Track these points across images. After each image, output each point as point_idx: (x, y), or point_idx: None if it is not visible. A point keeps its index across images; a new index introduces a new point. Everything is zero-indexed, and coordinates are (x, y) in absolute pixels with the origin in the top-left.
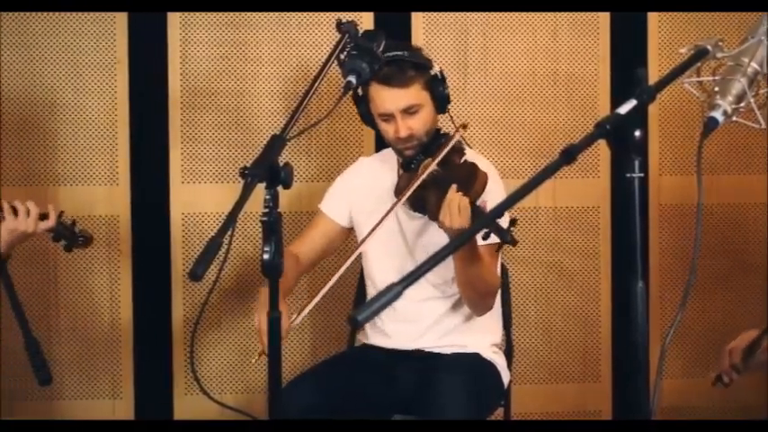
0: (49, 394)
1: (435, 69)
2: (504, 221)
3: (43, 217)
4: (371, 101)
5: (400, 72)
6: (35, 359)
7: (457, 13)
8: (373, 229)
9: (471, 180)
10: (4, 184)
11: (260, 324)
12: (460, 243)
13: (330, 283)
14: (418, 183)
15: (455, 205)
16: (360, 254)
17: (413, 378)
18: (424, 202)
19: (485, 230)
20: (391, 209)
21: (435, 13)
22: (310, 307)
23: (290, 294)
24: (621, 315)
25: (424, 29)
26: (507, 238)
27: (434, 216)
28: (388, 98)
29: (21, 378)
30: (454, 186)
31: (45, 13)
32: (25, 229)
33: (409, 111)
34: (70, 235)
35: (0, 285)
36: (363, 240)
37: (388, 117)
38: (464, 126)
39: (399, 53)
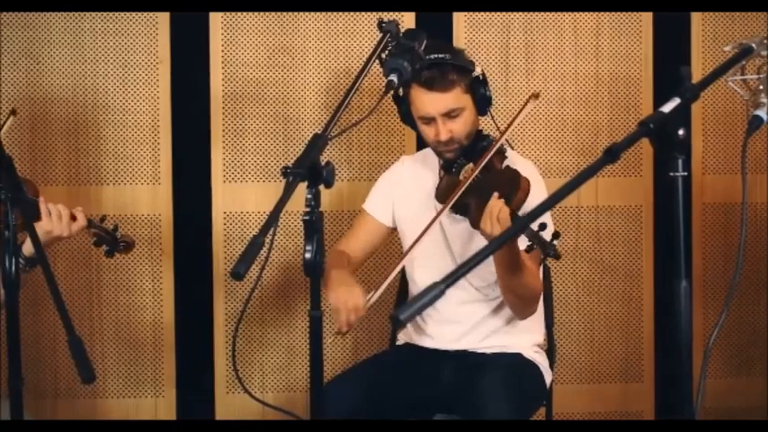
0: (92, 392)
1: (477, 71)
2: (547, 234)
3: (72, 218)
4: (412, 103)
5: (442, 76)
6: (78, 357)
7: (499, 13)
8: (419, 237)
9: (513, 187)
10: (51, 184)
11: (336, 302)
12: (498, 246)
13: (395, 272)
14: (461, 191)
15: (495, 214)
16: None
17: (455, 378)
18: (466, 207)
19: (528, 244)
20: (435, 218)
21: (477, 13)
22: (380, 291)
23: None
24: (664, 315)
25: (466, 28)
26: (550, 252)
27: (475, 223)
28: (429, 102)
29: (65, 376)
30: (495, 194)
31: (92, 14)
32: (60, 233)
33: (450, 114)
34: (112, 240)
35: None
36: (410, 248)
37: (429, 120)
38: (536, 96)
39: (441, 56)
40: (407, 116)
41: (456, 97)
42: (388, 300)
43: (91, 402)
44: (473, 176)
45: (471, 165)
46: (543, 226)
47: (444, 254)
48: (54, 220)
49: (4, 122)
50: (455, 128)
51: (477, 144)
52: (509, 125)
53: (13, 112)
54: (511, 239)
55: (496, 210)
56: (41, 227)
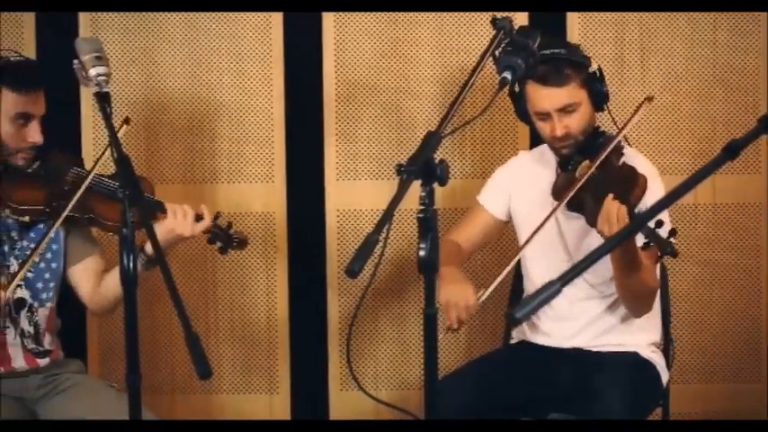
0: (207, 388)
1: (593, 67)
2: (664, 232)
3: (198, 219)
4: (528, 99)
5: (557, 71)
6: (195, 353)
7: (612, 12)
8: (533, 235)
9: (630, 185)
10: (167, 183)
11: (447, 299)
12: (614, 245)
13: (506, 270)
14: (577, 188)
15: (613, 214)
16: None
17: (570, 377)
18: (582, 204)
19: (644, 241)
20: (550, 215)
21: (591, 13)
22: (492, 288)
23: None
24: None
25: (580, 28)
26: (667, 249)
27: (592, 222)
28: (544, 97)
29: (181, 372)
30: (611, 195)
31: (207, 14)
32: (182, 233)
33: (566, 110)
34: (225, 237)
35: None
36: (524, 245)
37: (545, 116)
38: (650, 99)
39: (557, 51)
40: (523, 113)
41: (571, 92)
42: (501, 297)
43: (206, 398)
44: (589, 174)
45: (588, 162)
46: (660, 223)
47: (559, 249)
48: (179, 219)
49: (118, 130)
50: (571, 123)
51: (593, 141)
52: (623, 126)
53: (127, 121)
54: (627, 239)
55: (614, 210)
56: (166, 225)
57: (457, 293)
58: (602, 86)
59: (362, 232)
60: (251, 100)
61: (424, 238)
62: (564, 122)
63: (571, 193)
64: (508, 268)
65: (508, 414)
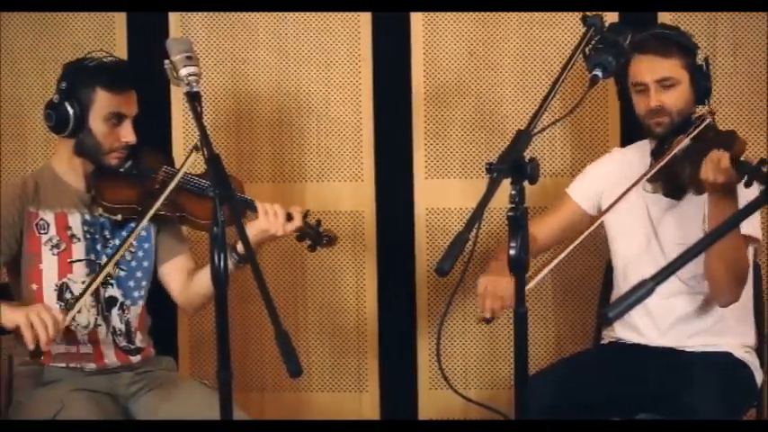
0: (297, 386)
1: (700, 58)
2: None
3: (289, 218)
4: (629, 73)
5: (662, 43)
6: (286, 351)
7: (702, 13)
8: (617, 200)
9: (731, 140)
10: (256, 181)
11: (482, 288)
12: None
13: (564, 254)
14: (670, 156)
15: (716, 160)
16: (609, 246)
17: (661, 376)
18: (677, 177)
19: (746, 177)
20: (636, 182)
21: (682, 13)
22: (544, 273)
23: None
24: None
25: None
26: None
27: (694, 183)
28: (645, 67)
29: (271, 370)
30: (714, 150)
31: (295, 14)
32: (274, 232)
33: (664, 83)
34: (315, 235)
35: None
36: (605, 212)
37: (643, 88)
38: (712, 113)
39: (667, 31)
40: (624, 92)
41: (672, 66)
42: (591, 295)
43: (296, 396)
44: (683, 144)
45: (682, 136)
46: (764, 161)
47: (654, 247)
48: (270, 219)
49: (187, 157)
50: (667, 99)
51: (687, 125)
52: (691, 132)
53: (196, 148)
54: (731, 228)
55: (717, 156)
56: (257, 225)
57: (494, 284)
58: (705, 81)
59: (451, 231)
60: (340, 99)
61: (514, 236)
62: (660, 96)
63: (663, 162)
64: (576, 242)
65: (597, 414)
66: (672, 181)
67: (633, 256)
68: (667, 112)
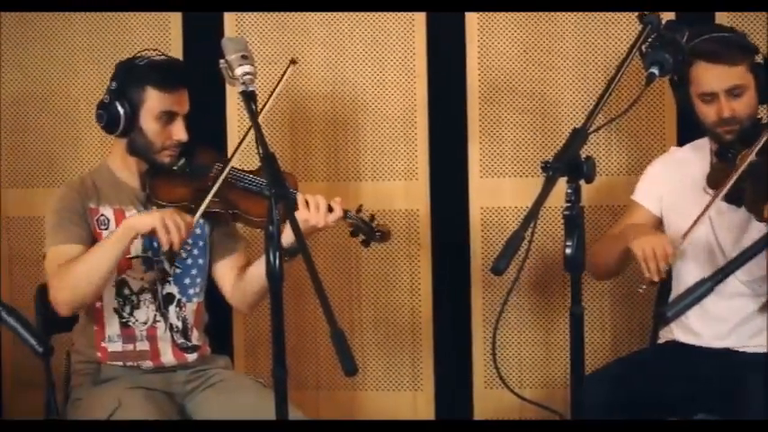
0: (352, 384)
1: (759, 57)
2: None
3: (329, 209)
4: (692, 81)
5: (727, 50)
6: (341, 349)
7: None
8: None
9: None
10: (311, 180)
11: (644, 251)
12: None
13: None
14: (737, 176)
15: None
16: None
17: (719, 377)
18: (741, 194)
19: None
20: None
21: (739, 13)
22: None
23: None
24: None
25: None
26: None
27: (753, 209)
28: (713, 76)
29: (326, 368)
30: None
31: (349, 14)
32: (315, 223)
33: (733, 92)
34: (368, 230)
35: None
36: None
37: (711, 97)
38: None
39: (725, 34)
40: (685, 100)
41: (740, 74)
42: (648, 295)
43: (350, 395)
44: (749, 160)
45: (748, 150)
46: None
47: (712, 247)
48: (311, 211)
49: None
50: (737, 107)
51: (753, 130)
52: (757, 143)
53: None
54: None
55: None
56: (298, 216)
57: (653, 242)
58: (767, 79)
59: (506, 230)
60: (394, 98)
61: (570, 235)
62: (731, 105)
63: (732, 181)
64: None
65: (654, 414)
66: (734, 194)
67: (690, 258)
68: (738, 119)
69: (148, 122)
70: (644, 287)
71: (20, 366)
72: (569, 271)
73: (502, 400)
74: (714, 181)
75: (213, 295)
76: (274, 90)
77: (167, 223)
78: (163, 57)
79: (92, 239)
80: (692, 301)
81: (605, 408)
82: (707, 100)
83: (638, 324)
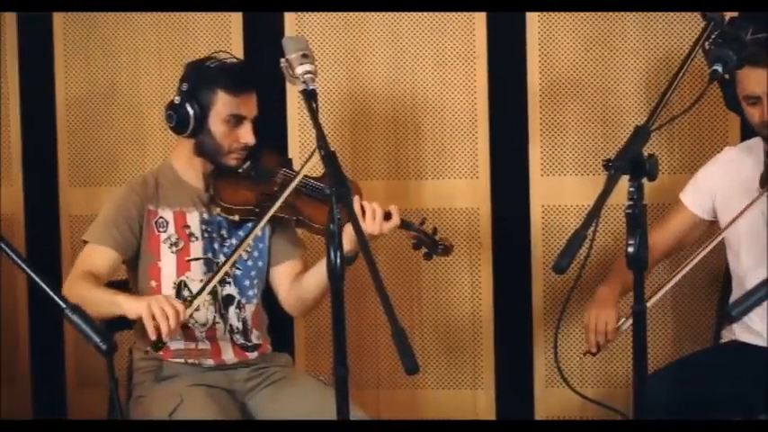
0: (412, 383)
1: None
2: None
3: (387, 217)
4: (738, 83)
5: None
6: (402, 348)
7: None
8: (737, 217)
9: None
10: (371, 178)
11: (588, 322)
12: None
13: (681, 273)
14: None
15: None
16: (726, 249)
17: None
18: None
19: None
20: (754, 200)
21: None
22: (659, 296)
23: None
24: None
25: None
26: None
27: None
28: (756, 80)
29: (386, 367)
30: None
31: (410, 13)
32: (372, 231)
33: None
34: (431, 243)
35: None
36: (725, 229)
37: (755, 100)
38: None
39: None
40: (733, 100)
41: None
42: (711, 294)
43: (411, 393)
44: None
45: None
46: None
47: None
48: (367, 219)
49: (307, 160)
50: None
51: None
52: None
53: (319, 150)
54: None
55: None
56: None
57: (601, 316)
58: None
59: (568, 228)
60: (455, 97)
61: (632, 234)
62: None
63: None
64: (695, 260)
65: (717, 414)
66: None
67: (751, 259)
68: None
69: (217, 125)
70: (584, 353)
71: (83, 366)
72: (632, 269)
73: (563, 400)
74: (765, 180)
75: (274, 294)
76: (297, 175)
77: (155, 311)
78: (233, 60)
79: (132, 248)
80: (756, 301)
81: (667, 407)
82: (751, 102)
83: (701, 323)
